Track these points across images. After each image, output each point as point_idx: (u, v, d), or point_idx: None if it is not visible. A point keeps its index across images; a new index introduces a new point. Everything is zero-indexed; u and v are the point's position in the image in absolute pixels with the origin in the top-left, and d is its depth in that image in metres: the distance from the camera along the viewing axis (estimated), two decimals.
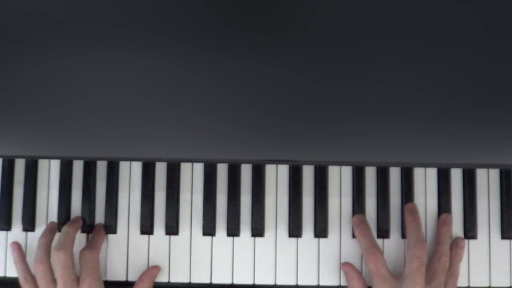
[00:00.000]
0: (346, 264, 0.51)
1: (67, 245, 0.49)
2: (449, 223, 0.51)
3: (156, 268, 0.51)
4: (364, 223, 0.51)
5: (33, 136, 0.40)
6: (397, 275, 0.49)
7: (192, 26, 0.35)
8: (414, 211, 0.51)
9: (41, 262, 0.48)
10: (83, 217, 0.53)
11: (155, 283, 0.52)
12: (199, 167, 0.53)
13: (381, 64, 0.36)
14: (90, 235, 0.52)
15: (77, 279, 0.48)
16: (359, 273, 0.50)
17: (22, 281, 0.50)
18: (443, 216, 0.51)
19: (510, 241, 0.52)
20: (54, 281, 0.48)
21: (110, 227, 0.52)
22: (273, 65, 0.36)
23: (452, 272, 0.49)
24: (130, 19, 0.35)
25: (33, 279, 0.50)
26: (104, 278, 0.51)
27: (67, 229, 0.50)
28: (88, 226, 0.53)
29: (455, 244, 0.51)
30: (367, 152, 0.40)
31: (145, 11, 0.35)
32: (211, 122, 0.38)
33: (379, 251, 0.49)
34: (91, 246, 0.50)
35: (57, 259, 0.48)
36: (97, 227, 0.52)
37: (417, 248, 0.48)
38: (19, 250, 0.51)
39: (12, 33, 0.36)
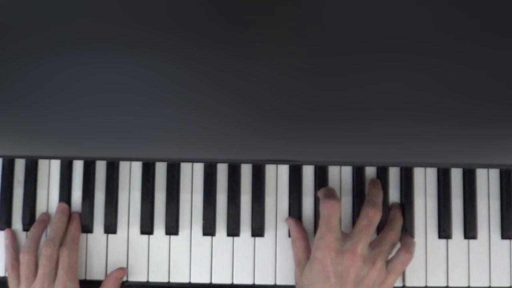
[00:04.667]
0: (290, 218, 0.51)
1: (56, 240, 0.50)
2: (398, 208, 0.51)
3: (122, 270, 0.51)
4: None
5: (33, 136, 0.40)
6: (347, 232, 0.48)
7: (192, 26, 0.35)
8: (378, 183, 0.51)
9: (27, 252, 0.49)
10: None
11: (156, 283, 0.52)
12: (199, 167, 0.53)
13: (381, 63, 0.36)
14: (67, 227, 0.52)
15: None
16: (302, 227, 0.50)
17: (8, 267, 0.51)
18: (394, 204, 0.52)
19: (510, 241, 0.52)
20: (36, 273, 0.49)
21: (110, 227, 0.52)
22: (273, 65, 0.36)
23: (390, 268, 0.46)
24: (130, 19, 0.35)
25: (19, 267, 0.50)
26: (102, 278, 0.51)
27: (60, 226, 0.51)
28: (88, 227, 0.53)
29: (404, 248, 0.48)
30: (367, 152, 0.40)
31: (145, 11, 0.35)
32: (211, 122, 0.38)
33: (339, 204, 0.47)
34: (71, 243, 0.50)
35: (44, 251, 0.49)
36: (72, 219, 0.52)
37: (371, 209, 0.47)
38: (12, 237, 0.52)
39: (12, 33, 0.36)
